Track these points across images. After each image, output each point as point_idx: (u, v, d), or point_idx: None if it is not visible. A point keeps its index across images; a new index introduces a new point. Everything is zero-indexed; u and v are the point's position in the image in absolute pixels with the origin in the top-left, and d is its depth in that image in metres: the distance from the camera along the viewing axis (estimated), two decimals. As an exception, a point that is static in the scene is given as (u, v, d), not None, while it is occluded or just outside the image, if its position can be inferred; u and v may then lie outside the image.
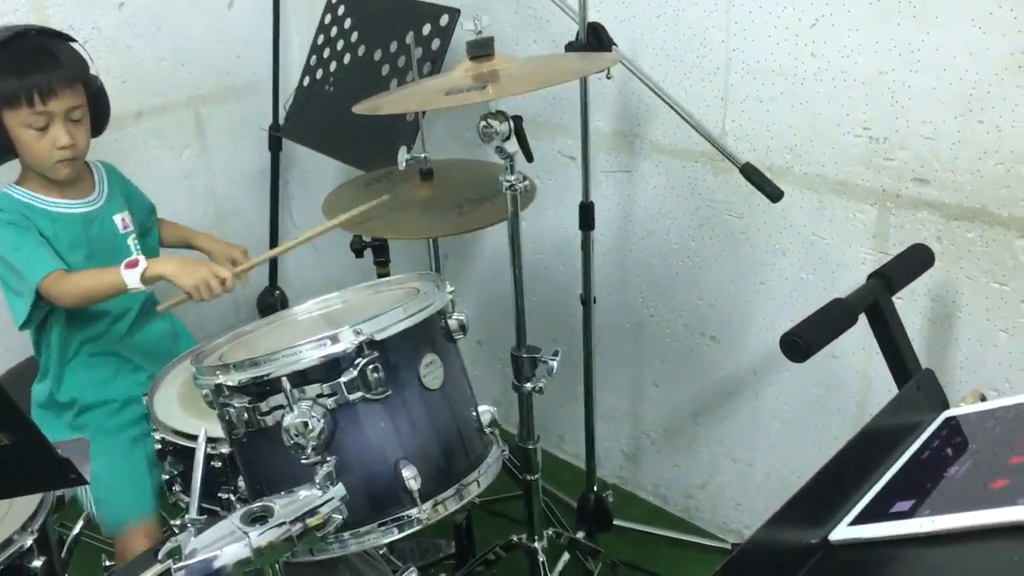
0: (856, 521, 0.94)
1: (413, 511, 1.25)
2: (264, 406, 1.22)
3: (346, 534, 1.24)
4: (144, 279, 1.72)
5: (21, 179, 1.87)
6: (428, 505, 1.26)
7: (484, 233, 2.72)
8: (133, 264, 1.73)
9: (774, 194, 1.77)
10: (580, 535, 2.34)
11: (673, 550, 2.42)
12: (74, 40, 1.85)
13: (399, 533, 1.25)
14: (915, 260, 1.67)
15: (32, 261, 1.75)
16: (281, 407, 1.21)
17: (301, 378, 1.21)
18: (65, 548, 2.05)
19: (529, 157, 1.57)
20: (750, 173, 1.79)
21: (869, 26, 1.75)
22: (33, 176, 1.85)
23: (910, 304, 1.82)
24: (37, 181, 1.85)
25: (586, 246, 2.14)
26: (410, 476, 1.23)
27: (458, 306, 1.40)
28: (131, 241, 1.96)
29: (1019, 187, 1.65)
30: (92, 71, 1.86)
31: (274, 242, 2.81)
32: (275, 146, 2.72)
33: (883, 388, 1.89)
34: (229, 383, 1.23)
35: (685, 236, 2.23)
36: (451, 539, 2.30)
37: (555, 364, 1.68)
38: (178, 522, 1.50)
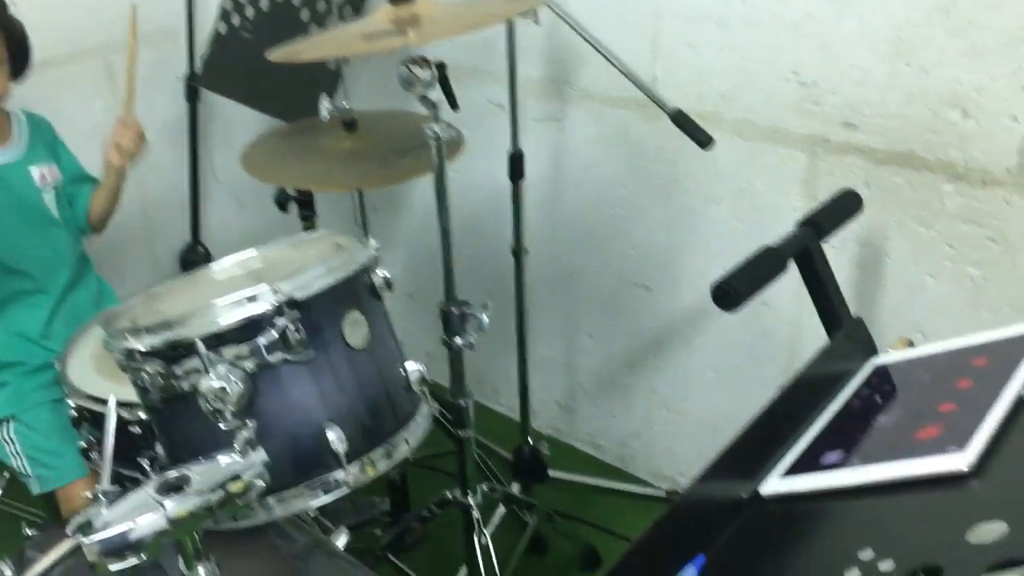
0: (787, 473, 0.94)
1: (340, 474, 1.21)
2: (178, 370, 1.16)
3: (271, 499, 1.19)
4: None
5: None
6: (355, 467, 1.22)
7: (413, 185, 2.67)
8: None
9: (704, 141, 1.75)
10: (515, 488, 2.34)
11: (609, 499, 2.44)
12: None
13: (326, 496, 1.22)
14: (844, 206, 1.66)
15: None
16: (197, 371, 1.15)
17: (217, 340, 1.15)
18: (-17, 518, 1.99)
19: (454, 105, 1.52)
20: (681, 120, 1.76)
21: (799, -32, 1.73)
22: None
23: (840, 250, 1.83)
24: None
25: (516, 197, 2.10)
26: (335, 438, 1.19)
27: (384, 261, 1.35)
28: (47, 198, 1.87)
29: (946, 131, 1.65)
30: (10, 12, 1.76)
31: (195, 197, 2.71)
32: (192, 96, 2.61)
33: (814, 335, 1.89)
34: (140, 347, 1.17)
35: (616, 185, 2.20)
36: (386, 496, 2.28)
37: (486, 319, 1.65)
38: (89, 494, 1.44)
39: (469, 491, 1.86)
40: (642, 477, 2.51)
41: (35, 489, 1.90)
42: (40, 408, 1.85)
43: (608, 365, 2.48)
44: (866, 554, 0.72)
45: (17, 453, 1.86)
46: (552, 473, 2.41)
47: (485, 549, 1.85)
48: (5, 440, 1.86)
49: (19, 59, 1.81)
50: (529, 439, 2.40)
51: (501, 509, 2.23)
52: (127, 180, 1.99)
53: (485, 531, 1.87)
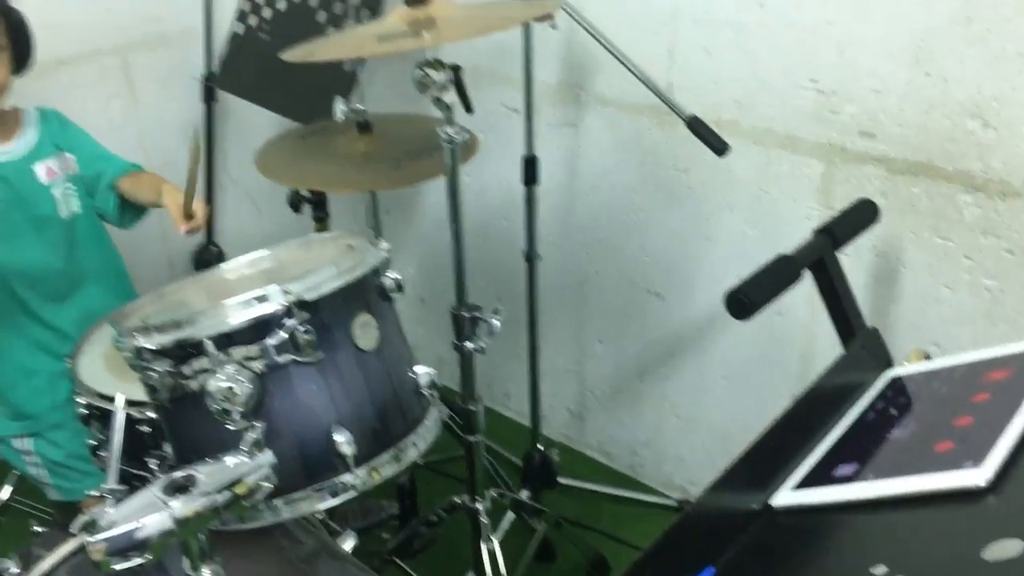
0: (800, 485, 0.92)
1: (347, 477, 1.21)
2: (187, 370, 1.16)
3: (278, 501, 1.19)
4: None
5: None
6: (363, 470, 1.21)
7: (427, 188, 2.66)
8: None
9: (720, 148, 1.74)
10: (525, 494, 2.33)
11: (618, 507, 2.42)
12: None
13: (333, 500, 1.21)
14: (860, 215, 1.65)
15: None
16: (206, 371, 1.15)
17: (227, 340, 1.15)
18: (-8, 513, 1.99)
19: (468, 108, 1.52)
20: (696, 126, 1.75)
21: (818, -25, 1.71)
22: None
23: (855, 260, 1.81)
24: None
25: (530, 201, 2.09)
26: (343, 441, 1.19)
27: (394, 263, 1.35)
28: (57, 192, 1.81)
29: (964, 141, 1.63)
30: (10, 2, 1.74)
31: (209, 197, 2.72)
32: (209, 97, 2.61)
33: (827, 344, 1.87)
34: (150, 346, 1.17)
35: (630, 191, 2.19)
36: (394, 499, 2.27)
37: (497, 323, 1.64)
38: (95, 493, 1.44)
39: (478, 496, 1.85)
40: (652, 485, 2.50)
41: (52, 496, 1.89)
42: (63, 428, 1.83)
43: (619, 372, 2.46)
44: (879, 570, 0.71)
45: (36, 464, 1.85)
46: (562, 480, 2.40)
47: (493, 555, 1.84)
48: (23, 451, 1.85)
49: (21, 49, 1.75)
50: (539, 445, 2.39)
51: (510, 515, 2.21)
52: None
53: (493, 537, 1.86)
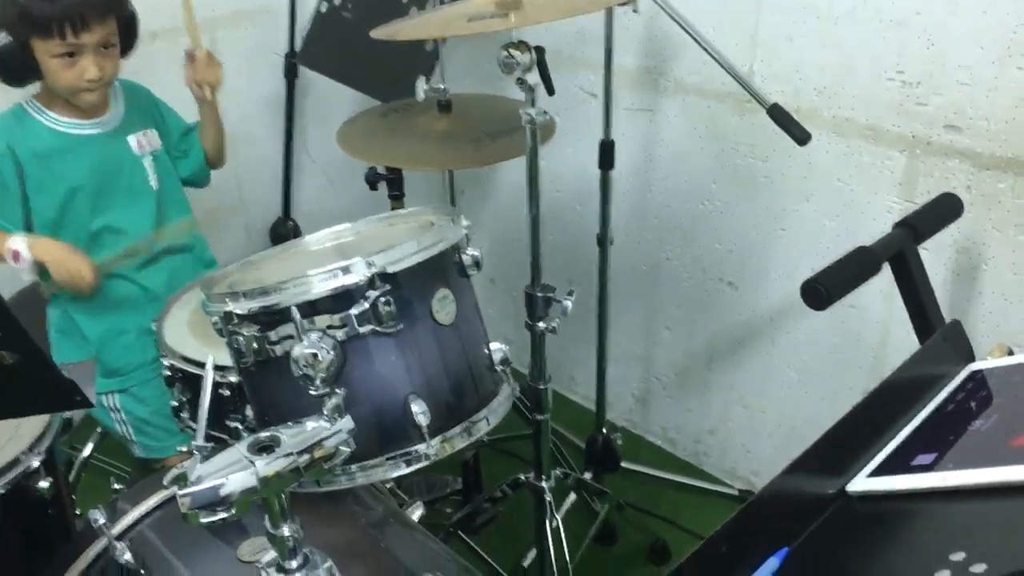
0: (876, 472, 0.92)
1: (421, 446, 1.23)
2: (273, 335, 1.20)
3: (353, 467, 1.22)
4: (33, 270, 1.73)
5: (39, 93, 1.83)
6: (436, 441, 1.24)
7: (500, 169, 2.68)
8: (15, 256, 1.72)
9: (802, 137, 1.72)
10: (587, 476, 2.34)
11: (680, 494, 2.42)
12: None
13: (407, 468, 1.24)
14: (943, 210, 1.62)
15: None
16: (290, 337, 1.19)
17: (311, 308, 1.18)
18: (74, 470, 2.07)
19: (551, 90, 1.53)
20: (778, 115, 1.73)
21: (909, -36, 1.69)
22: (50, 92, 1.81)
23: (935, 255, 1.78)
24: (53, 98, 1.81)
25: (605, 186, 2.10)
26: (419, 411, 1.21)
27: (473, 241, 1.37)
28: (147, 163, 1.91)
29: (1056, 137, 1.60)
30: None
31: (287, 171, 2.78)
32: (291, 73, 2.66)
33: (902, 340, 1.86)
34: (238, 311, 1.21)
35: (706, 178, 2.18)
36: (459, 475, 2.31)
37: (570, 304, 1.65)
38: (185, 448, 1.49)
39: (543, 475, 1.87)
40: (715, 475, 2.49)
41: (136, 453, 1.97)
42: (149, 384, 1.90)
43: (686, 360, 2.46)
44: (958, 556, 0.71)
45: (123, 421, 1.93)
46: (624, 464, 2.41)
47: (556, 533, 1.86)
48: (111, 408, 1.92)
49: (128, 41, 1.85)
50: (603, 429, 2.40)
51: (572, 496, 2.23)
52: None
53: (557, 515, 1.87)
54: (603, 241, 2.16)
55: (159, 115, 2.00)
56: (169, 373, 1.65)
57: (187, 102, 2.06)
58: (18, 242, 1.72)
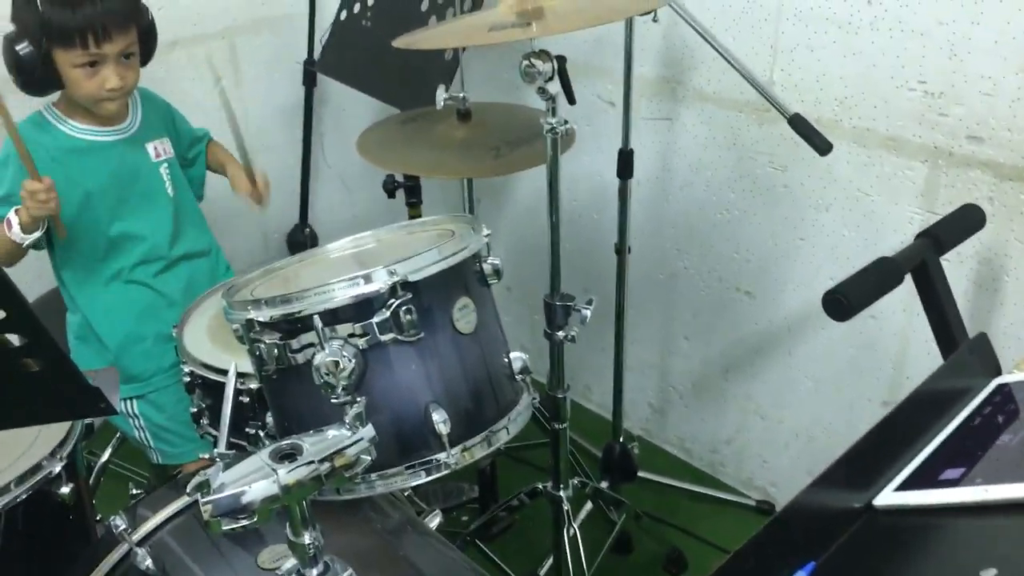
0: (903, 487, 0.91)
1: (442, 455, 1.23)
2: (295, 343, 1.20)
3: (374, 475, 1.22)
4: (25, 228, 1.70)
5: (58, 101, 1.85)
6: (457, 450, 1.24)
7: (517, 177, 2.68)
8: (8, 224, 1.71)
9: (823, 147, 1.71)
10: (604, 485, 2.34)
11: (696, 504, 2.42)
12: None
13: (427, 477, 1.24)
14: (966, 221, 1.62)
15: None
16: (312, 345, 1.19)
17: (333, 317, 1.19)
18: (93, 475, 2.08)
19: (571, 99, 1.53)
20: (799, 124, 1.73)
21: (931, -26, 1.68)
22: (69, 100, 1.82)
23: (957, 266, 1.77)
24: (73, 106, 1.82)
25: (623, 195, 2.10)
26: (440, 420, 1.21)
27: (492, 250, 1.37)
28: (163, 170, 1.93)
29: (1080, 149, 1.59)
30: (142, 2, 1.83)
31: (305, 178, 2.78)
32: (310, 81, 2.67)
33: (921, 350, 1.85)
34: (260, 319, 1.21)
35: (724, 188, 2.18)
36: (475, 483, 2.31)
37: (588, 313, 1.65)
38: (206, 456, 1.49)
39: (561, 483, 1.86)
40: (732, 485, 2.48)
41: (154, 459, 1.97)
42: (167, 390, 1.91)
43: (703, 369, 2.45)
44: (989, 572, 0.70)
45: (141, 427, 1.94)
46: (641, 474, 2.40)
47: (573, 541, 1.86)
48: (129, 414, 1.93)
49: (148, 50, 1.87)
50: (620, 438, 2.39)
51: (588, 505, 2.23)
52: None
53: (574, 524, 1.87)
54: (621, 250, 2.16)
55: (172, 123, 2.01)
56: (189, 379, 1.65)
57: (202, 109, 2.07)
58: (8, 213, 1.72)
